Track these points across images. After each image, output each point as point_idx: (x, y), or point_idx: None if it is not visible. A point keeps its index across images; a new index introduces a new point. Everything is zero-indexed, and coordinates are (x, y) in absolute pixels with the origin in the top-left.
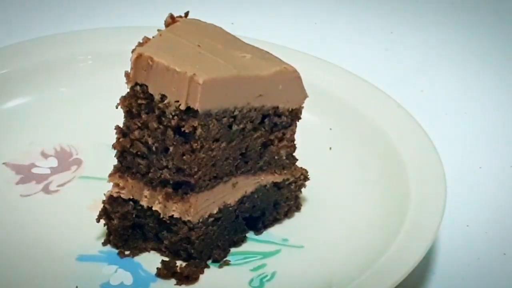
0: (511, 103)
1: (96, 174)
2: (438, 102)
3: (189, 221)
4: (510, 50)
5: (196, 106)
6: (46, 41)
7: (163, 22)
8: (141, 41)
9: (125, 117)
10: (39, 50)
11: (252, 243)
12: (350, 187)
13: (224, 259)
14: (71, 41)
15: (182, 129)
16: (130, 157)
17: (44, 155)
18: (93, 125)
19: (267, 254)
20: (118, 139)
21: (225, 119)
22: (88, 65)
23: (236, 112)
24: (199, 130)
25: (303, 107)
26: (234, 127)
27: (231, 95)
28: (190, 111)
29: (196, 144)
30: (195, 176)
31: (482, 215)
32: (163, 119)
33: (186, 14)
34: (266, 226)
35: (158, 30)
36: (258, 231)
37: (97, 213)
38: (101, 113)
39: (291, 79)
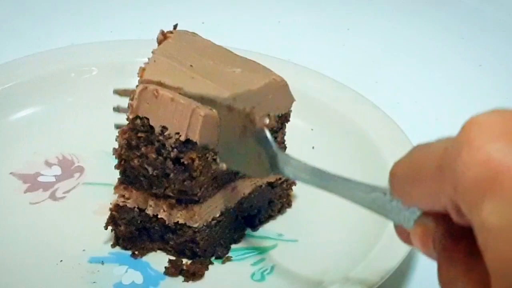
0: (455, 93)
1: (98, 180)
2: (391, 92)
3: (194, 227)
4: (457, 44)
5: (196, 138)
6: (51, 55)
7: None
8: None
9: (123, 148)
10: (43, 63)
11: (250, 239)
12: None
13: (226, 255)
14: (73, 54)
15: (181, 160)
16: (132, 174)
17: (48, 164)
18: (92, 134)
19: (265, 249)
20: (120, 161)
21: None
22: (92, 77)
23: None
24: (197, 162)
25: (291, 111)
26: None
27: None
28: (189, 143)
29: (195, 173)
30: (198, 194)
31: None
32: (163, 151)
33: (175, 26)
34: (261, 223)
35: (153, 52)
36: (254, 228)
37: (104, 217)
38: (100, 122)
39: (279, 88)
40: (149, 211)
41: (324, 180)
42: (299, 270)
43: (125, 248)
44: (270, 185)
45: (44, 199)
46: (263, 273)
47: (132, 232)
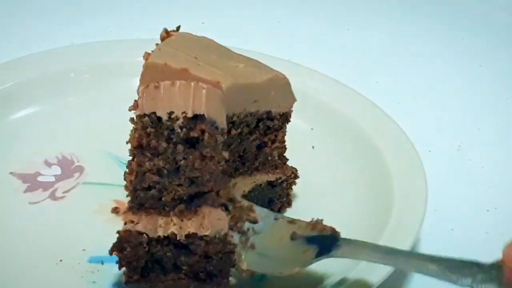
0: (456, 93)
1: (98, 180)
2: (391, 92)
3: (205, 235)
4: (457, 44)
5: (202, 110)
6: (51, 55)
7: (159, 35)
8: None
9: (134, 154)
10: (43, 63)
11: None
12: (335, 182)
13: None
14: (73, 54)
15: (191, 134)
16: (143, 193)
17: (48, 164)
18: (91, 134)
19: None
20: (130, 180)
21: None
22: (92, 77)
23: (235, 118)
24: (207, 136)
25: (292, 110)
26: (233, 132)
27: (230, 102)
28: (197, 118)
29: (206, 150)
30: (208, 184)
31: (432, 193)
32: (172, 137)
33: (178, 28)
34: None
35: (156, 45)
36: None
37: (104, 217)
38: (99, 121)
39: (282, 85)
40: (160, 232)
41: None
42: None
43: (138, 282)
44: (270, 184)
45: (43, 199)
46: None
47: (139, 257)
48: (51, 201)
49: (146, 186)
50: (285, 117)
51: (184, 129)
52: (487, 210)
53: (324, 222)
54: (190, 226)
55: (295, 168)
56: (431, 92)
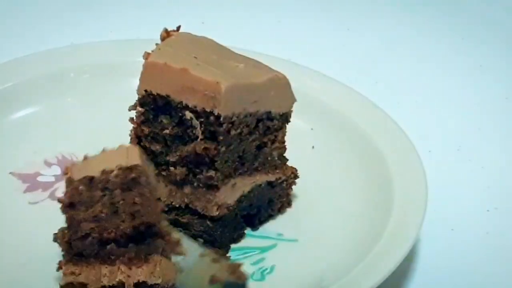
0: (456, 92)
1: None
2: (391, 92)
3: (156, 284)
4: (457, 44)
5: (137, 161)
6: (51, 55)
7: (159, 35)
8: (143, 56)
9: (65, 211)
10: (43, 63)
11: (250, 239)
12: (335, 182)
13: (226, 255)
14: (73, 54)
15: (127, 177)
16: (80, 243)
17: (48, 164)
18: (91, 134)
19: (265, 248)
20: (63, 238)
21: (224, 125)
22: (92, 77)
23: (234, 118)
24: (143, 178)
25: (292, 111)
26: (232, 132)
27: (230, 102)
28: (132, 168)
29: (143, 190)
30: (149, 216)
31: (432, 193)
32: (107, 185)
33: (178, 28)
34: (261, 222)
35: (156, 44)
36: (254, 227)
37: None
38: (99, 121)
39: (282, 85)
40: (105, 282)
41: None
42: (299, 269)
43: None
44: (270, 184)
45: (43, 199)
46: (263, 273)
47: None
48: (51, 201)
49: (82, 235)
50: (285, 117)
51: (119, 177)
52: (487, 210)
53: (324, 222)
54: (140, 274)
55: (295, 168)
56: (431, 92)
